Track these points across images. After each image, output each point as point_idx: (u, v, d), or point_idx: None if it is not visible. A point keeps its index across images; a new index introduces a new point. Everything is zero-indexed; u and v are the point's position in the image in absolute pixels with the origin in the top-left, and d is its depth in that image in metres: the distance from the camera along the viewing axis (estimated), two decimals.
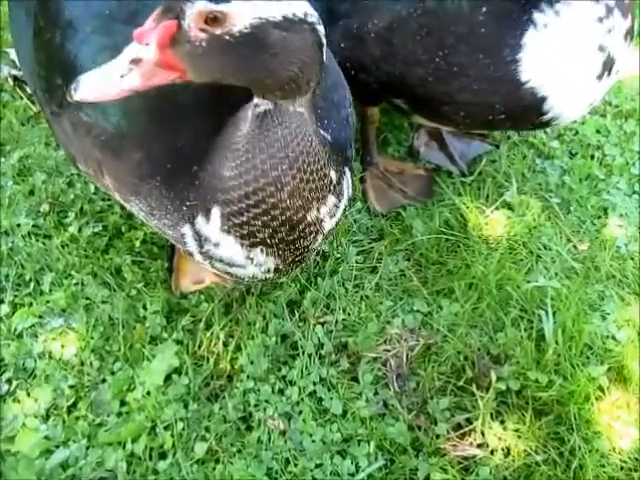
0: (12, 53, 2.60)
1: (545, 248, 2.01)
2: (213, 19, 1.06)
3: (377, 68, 1.78)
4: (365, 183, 2.18)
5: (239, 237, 1.31)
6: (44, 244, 1.97)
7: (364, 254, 2.00)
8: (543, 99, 1.65)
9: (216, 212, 1.28)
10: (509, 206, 2.12)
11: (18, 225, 2.01)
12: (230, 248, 1.33)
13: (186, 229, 1.37)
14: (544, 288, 1.89)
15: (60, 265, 1.92)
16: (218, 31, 1.07)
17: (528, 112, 1.69)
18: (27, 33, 1.57)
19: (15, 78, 2.51)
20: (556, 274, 1.95)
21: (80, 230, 2.00)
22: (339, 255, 1.97)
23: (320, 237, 1.39)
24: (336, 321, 1.83)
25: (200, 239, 1.35)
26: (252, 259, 1.35)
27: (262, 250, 1.33)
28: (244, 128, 1.22)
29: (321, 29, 1.16)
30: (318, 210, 1.32)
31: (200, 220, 1.32)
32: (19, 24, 1.65)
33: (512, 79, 1.63)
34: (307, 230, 1.34)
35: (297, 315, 1.84)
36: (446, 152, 2.28)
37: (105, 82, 1.12)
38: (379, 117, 2.19)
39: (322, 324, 1.83)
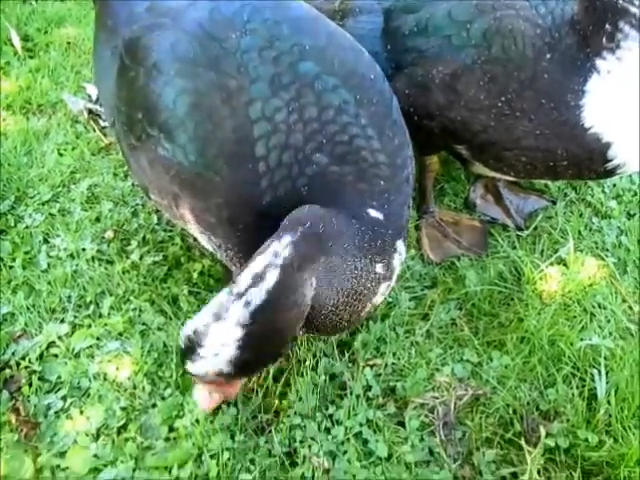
0: (88, 87, 2.75)
1: (600, 307, 1.99)
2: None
3: (440, 114, 1.82)
4: (420, 231, 2.21)
5: None
6: (106, 269, 2.04)
7: (416, 300, 2.01)
8: (607, 145, 1.66)
9: None
10: (564, 263, 2.11)
11: (83, 249, 2.09)
12: None
13: None
14: (598, 347, 1.86)
15: (120, 290, 1.98)
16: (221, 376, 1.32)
17: (592, 159, 1.70)
18: (110, 70, 1.66)
19: (90, 111, 2.63)
20: (610, 334, 1.92)
21: (141, 258, 2.07)
22: (391, 300, 1.99)
23: (373, 309, 1.50)
24: (385, 365, 1.84)
25: None
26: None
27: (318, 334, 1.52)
28: None
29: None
30: (371, 302, 1.43)
31: None
32: (103, 62, 1.75)
33: (576, 124, 1.65)
34: (361, 319, 1.49)
35: (347, 356, 1.85)
36: (502, 206, 2.29)
37: (203, 399, 1.54)
38: (438, 167, 2.23)
39: (371, 367, 1.83)
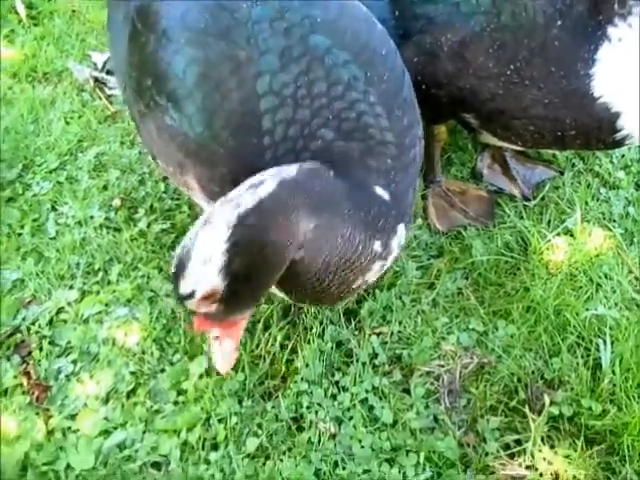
0: (94, 55, 2.73)
1: (606, 277, 1.99)
2: (206, 298, 1.23)
3: (449, 83, 1.81)
4: (427, 201, 2.21)
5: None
6: (114, 237, 2.05)
7: (422, 270, 2.02)
8: (617, 115, 1.65)
9: None
10: (571, 233, 2.11)
11: (91, 217, 2.10)
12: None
13: None
14: (603, 317, 1.87)
15: (128, 258, 1.99)
16: (216, 296, 1.23)
17: (601, 128, 1.69)
18: (122, 35, 1.64)
19: (95, 79, 2.62)
20: (616, 304, 1.93)
21: (149, 226, 2.08)
22: (398, 269, 2.00)
23: (364, 286, 1.48)
24: (391, 333, 1.85)
25: None
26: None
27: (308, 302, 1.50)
28: None
29: None
30: (363, 277, 1.41)
31: None
32: (116, 26, 1.73)
33: (585, 93, 1.64)
34: (352, 293, 1.47)
35: (353, 324, 1.86)
36: (509, 176, 2.29)
37: (220, 356, 1.40)
38: (445, 136, 2.22)
39: (377, 334, 1.85)
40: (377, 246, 1.38)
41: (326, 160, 1.34)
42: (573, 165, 2.33)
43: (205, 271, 1.18)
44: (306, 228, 1.25)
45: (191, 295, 1.22)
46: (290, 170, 1.24)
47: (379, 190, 1.39)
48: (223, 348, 1.39)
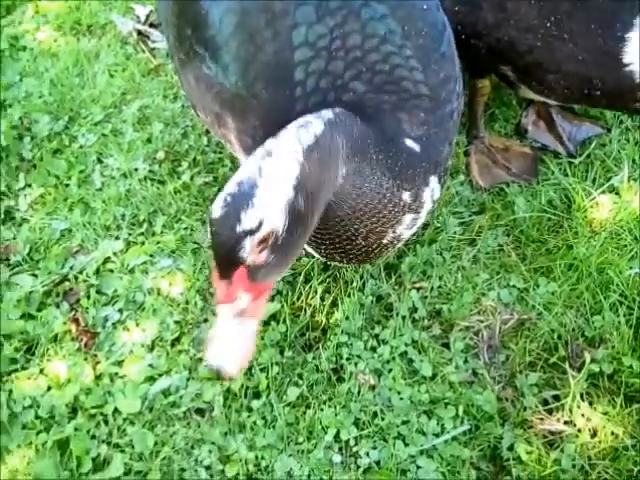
0: (137, 8, 2.73)
1: None
2: (263, 240, 1.11)
3: (488, 34, 1.78)
4: (469, 157, 2.18)
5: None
6: (158, 189, 2.09)
7: (464, 226, 2.01)
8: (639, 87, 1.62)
9: None
10: (616, 191, 2.07)
11: (135, 169, 2.14)
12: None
13: None
14: None
15: (172, 210, 2.03)
16: (271, 240, 1.12)
17: (624, 95, 1.67)
18: None
19: (139, 32, 2.63)
20: None
21: (192, 179, 2.11)
22: (439, 224, 1.99)
23: (400, 244, 1.48)
24: (432, 288, 1.86)
25: None
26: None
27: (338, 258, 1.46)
28: None
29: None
30: (394, 231, 1.40)
31: None
32: None
33: (616, 57, 1.61)
34: (384, 249, 1.44)
35: (393, 278, 1.87)
36: (554, 133, 2.24)
37: (236, 346, 1.18)
38: (489, 90, 2.18)
39: (417, 289, 1.85)
40: (406, 197, 1.37)
41: (357, 112, 1.33)
42: (621, 122, 2.27)
43: (276, 200, 1.11)
44: (341, 171, 1.24)
45: (256, 229, 1.09)
46: (328, 113, 1.22)
47: (409, 142, 1.38)
48: (242, 331, 1.18)
